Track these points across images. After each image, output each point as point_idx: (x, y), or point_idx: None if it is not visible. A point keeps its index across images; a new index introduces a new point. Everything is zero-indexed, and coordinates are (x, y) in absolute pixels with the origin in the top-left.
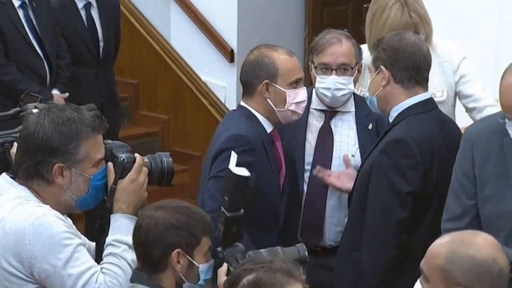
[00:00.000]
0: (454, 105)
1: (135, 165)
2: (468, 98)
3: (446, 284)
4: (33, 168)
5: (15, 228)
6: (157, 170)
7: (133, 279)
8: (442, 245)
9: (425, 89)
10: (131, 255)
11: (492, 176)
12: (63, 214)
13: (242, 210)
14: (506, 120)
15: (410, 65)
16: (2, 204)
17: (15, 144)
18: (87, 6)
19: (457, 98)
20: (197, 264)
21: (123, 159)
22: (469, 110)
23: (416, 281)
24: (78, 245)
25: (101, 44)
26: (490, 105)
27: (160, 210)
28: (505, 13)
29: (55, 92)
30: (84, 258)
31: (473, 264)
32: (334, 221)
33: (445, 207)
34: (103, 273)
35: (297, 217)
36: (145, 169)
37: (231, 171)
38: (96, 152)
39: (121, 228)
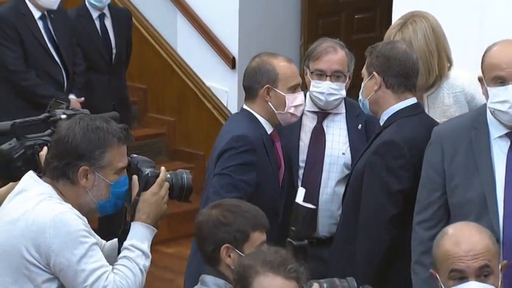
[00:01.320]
0: None
1: (158, 179)
2: None
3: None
4: (60, 169)
5: (38, 221)
6: (178, 186)
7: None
8: (480, 239)
9: (414, 94)
10: (143, 262)
11: (461, 167)
12: (83, 215)
13: (306, 240)
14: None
15: (401, 72)
16: (27, 199)
17: (45, 148)
18: (101, 16)
19: None
20: None
21: (148, 173)
22: None
23: (407, 273)
24: (94, 244)
25: (114, 51)
26: None
27: (214, 208)
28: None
29: (71, 96)
30: (97, 257)
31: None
32: (327, 214)
33: (416, 201)
34: (114, 273)
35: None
36: (166, 184)
37: (300, 205)
38: (119, 161)
39: (138, 236)
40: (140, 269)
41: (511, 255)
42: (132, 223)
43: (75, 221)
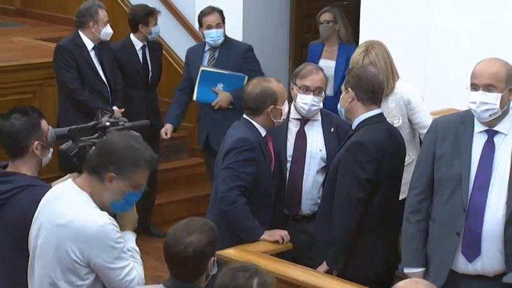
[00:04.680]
0: (410, 127)
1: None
2: (416, 125)
3: None
4: (96, 167)
5: (83, 230)
6: None
7: None
8: None
9: (379, 106)
10: (138, 257)
11: (447, 151)
12: (101, 209)
13: None
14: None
15: (369, 90)
16: (70, 206)
17: (94, 147)
18: (143, 47)
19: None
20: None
21: None
22: (419, 133)
23: (372, 242)
24: (124, 247)
25: (150, 73)
26: None
27: (193, 234)
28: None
29: (114, 107)
30: (126, 256)
31: None
32: (309, 197)
33: (412, 174)
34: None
35: (283, 194)
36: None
37: None
38: (140, 180)
39: (130, 241)
40: (140, 262)
41: (472, 222)
42: (123, 232)
43: (113, 231)
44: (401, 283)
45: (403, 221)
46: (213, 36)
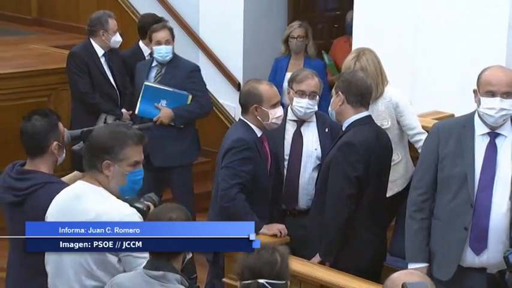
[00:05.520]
0: (399, 129)
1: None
2: (405, 127)
3: None
4: (92, 161)
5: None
6: None
7: (159, 268)
8: None
9: (367, 108)
10: None
11: (450, 152)
12: None
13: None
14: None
15: (358, 93)
16: (91, 202)
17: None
18: (150, 54)
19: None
20: None
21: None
22: (406, 134)
23: (362, 236)
24: None
25: None
26: (419, 132)
27: (173, 211)
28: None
29: (123, 110)
30: None
31: None
32: (305, 192)
33: (414, 174)
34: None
35: (281, 191)
36: None
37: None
38: (133, 156)
39: None
40: None
41: (480, 217)
42: None
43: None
44: (395, 274)
45: (406, 219)
46: (161, 52)
